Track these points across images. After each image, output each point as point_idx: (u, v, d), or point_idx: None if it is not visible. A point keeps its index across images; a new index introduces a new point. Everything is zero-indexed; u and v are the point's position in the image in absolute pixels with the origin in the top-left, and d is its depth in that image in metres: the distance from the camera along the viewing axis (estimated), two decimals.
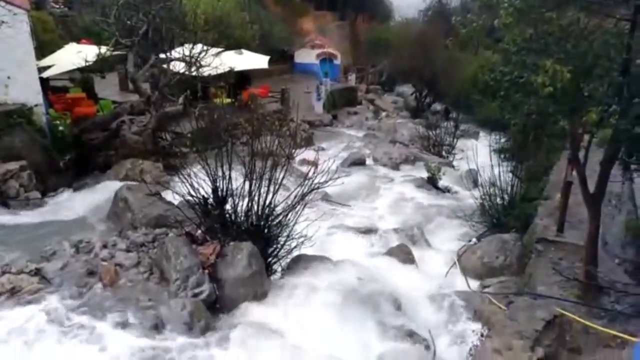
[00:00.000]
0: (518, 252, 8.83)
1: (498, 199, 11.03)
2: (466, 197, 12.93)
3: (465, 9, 31.62)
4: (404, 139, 21.40)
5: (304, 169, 11.96)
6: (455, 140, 20.63)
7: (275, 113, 19.96)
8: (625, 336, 5.05)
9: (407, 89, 39.21)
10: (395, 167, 17.28)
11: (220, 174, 7.99)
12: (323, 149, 17.78)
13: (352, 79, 35.53)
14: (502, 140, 13.53)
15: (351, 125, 26.09)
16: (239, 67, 19.08)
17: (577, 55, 5.55)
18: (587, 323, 5.38)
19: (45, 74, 15.45)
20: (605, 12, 5.93)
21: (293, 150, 9.06)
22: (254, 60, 21.32)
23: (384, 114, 30.26)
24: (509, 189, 11.00)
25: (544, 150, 10.91)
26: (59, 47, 18.27)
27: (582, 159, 6.37)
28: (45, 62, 16.35)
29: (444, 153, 19.85)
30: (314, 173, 8.38)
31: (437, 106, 33.94)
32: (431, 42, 31.97)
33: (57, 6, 24.23)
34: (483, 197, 11.26)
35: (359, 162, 17.22)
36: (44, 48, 17.47)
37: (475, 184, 13.26)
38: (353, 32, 48.21)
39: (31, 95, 12.70)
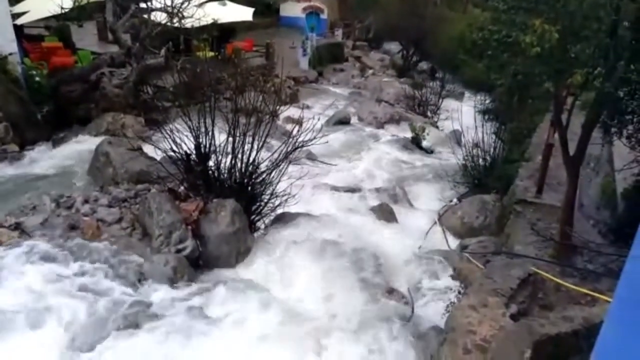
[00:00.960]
0: (498, 212, 9.02)
1: (480, 160, 11.15)
2: (450, 158, 13.04)
3: None
4: (390, 98, 21.25)
5: (289, 127, 11.87)
6: (440, 100, 20.58)
7: (260, 68, 19.50)
8: (595, 294, 5.26)
9: (394, 46, 38.61)
10: (380, 126, 17.25)
11: (203, 129, 7.88)
12: (308, 107, 17.59)
13: (338, 34, 34.83)
14: (487, 101, 13.52)
15: (337, 82, 25.75)
16: (222, 19, 18.49)
17: (567, 14, 5.49)
18: (559, 281, 5.57)
19: (18, 21, 14.81)
20: None
21: (278, 107, 8.91)
22: (238, 13, 20.67)
23: (370, 71, 29.86)
24: (492, 150, 11.11)
25: (528, 113, 10.95)
26: None
27: (564, 122, 6.42)
28: (19, 8, 15.65)
29: (429, 113, 19.83)
30: (298, 131, 8.31)
31: (424, 65, 33.61)
32: None
33: None
34: (466, 158, 11.37)
35: (344, 121, 17.13)
36: None
37: (459, 144, 13.34)
38: None
39: (5, 43, 12.18)
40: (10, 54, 12.26)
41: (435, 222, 9.48)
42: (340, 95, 22.21)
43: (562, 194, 6.92)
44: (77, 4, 14.27)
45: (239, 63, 16.50)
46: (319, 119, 9.26)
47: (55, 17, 15.45)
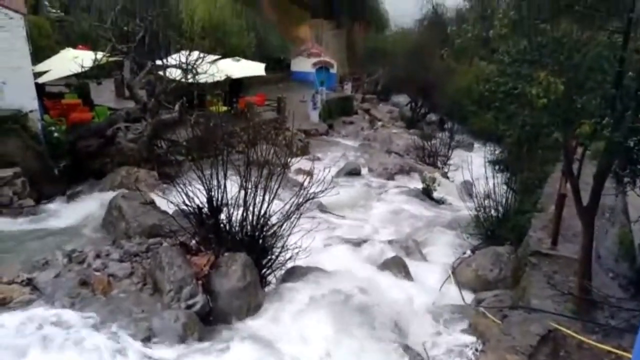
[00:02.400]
0: (513, 265, 8.83)
1: (493, 211, 11.05)
2: (461, 208, 12.95)
3: (461, 20, 31.85)
4: (400, 149, 21.46)
5: (300, 178, 11.97)
6: (450, 151, 20.72)
7: (272, 121, 19.98)
8: (619, 352, 5.05)
9: (402, 99, 39.42)
10: (391, 177, 17.32)
11: (215, 183, 7.97)
12: (319, 159, 17.79)
13: (348, 88, 35.69)
14: (497, 151, 13.57)
15: (347, 134, 26.14)
16: (235, 74, 19.13)
17: (571, 67, 5.59)
18: (582, 338, 5.37)
19: (41, 80, 15.42)
20: (598, 24, 5.99)
21: (289, 160, 9.03)
22: (250, 68, 21.38)
23: (379, 123, 30.35)
24: (504, 201, 11.02)
25: (538, 162, 10.95)
26: (56, 52, 18.24)
27: (575, 172, 6.39)
28: (41, 67, 16.31)
29: (439, 164, 19.91)
30: (309, 183, 8.37)
31: (433, 116, 34.11)
32: (427, 52, 32.20)
33: (54, 11, 24.23)
34: (478, 208, 11.27)
35: (354, 172, 17.24)
36: (40, 53, 17.45)
37: (470, 195, 13.29)
38: (349, 40, 48.48)
39: (26, 100, 12.62)
40: (31, 111, 12.68)
41: (449, 276, 9.29)
42: (350, 147, 22.49)
43: (578, 245, 6.79)
44: (96, 63, 14.88)
45: (251, 117, 16.97)
46: (329, 171, 9.32)
47: (75, 75, 16.12)
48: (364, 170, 17.94)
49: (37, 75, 15.02)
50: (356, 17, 48.95)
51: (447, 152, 20.55)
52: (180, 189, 7.99)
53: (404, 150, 21.47)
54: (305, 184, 8.48)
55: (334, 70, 38.49)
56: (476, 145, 23.79)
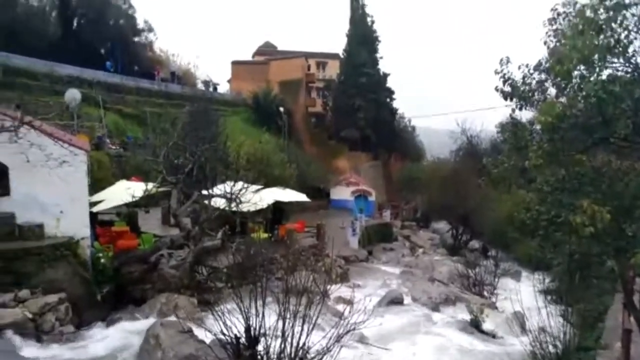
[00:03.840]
0: None
1: (550, 347, 10.17)
2: (514, 343, 12.00)
3: (496, 150, 32.66)
4: (443, 277, 20.78)
5: (340, 307, 11.61)
6: (496, 279, 19.87)
7: (311, 248, 20.06)
8: None
9: (442, 225, 39.18)
10: (435, 307, 16.52)
11: (253, 311, 7.83)
12: (359, 286, 17.36)
13: (386, 215, 36.04)
14: (547, 281, 12.90)
15: (387, 261, 25.75)
16: (278, 198, 19.82)
17: (614, 195, 5.53)
18: None
19: (95, 209, 16.38)
20: (637, 155, 6.03)
21: (328, 287, 8.86)
22: (293, 195, 22.13)
23: (420, 250, 29.91)
24: (562, 335, 10.19)
25: (594, 293, 10.28)
26: (111, 183, 19.61)
27: (638, 304, 5.96)
28: (96, 197, 17.43)
29: (485, 293, 19.00)
30: (349, 312, 8.09)
31: (475, 243, 33.43)
32: (464, 180, 32.68)
33: (114, 147, 26.50)
34: (533, 344, 10.42)
35: (396, 301, 16.59)
36: (97, 184, 18.78)
37: (523, 328, 12.40)
38: (386, 170, 50.16)
39: (79, 228, 13.31)
40: (83, 238, 13.32)
41: None
42: (391, 274, 21.96)
43: None
44: (147, 193, 15.81)
45: (291, 243, 17.15)
46: (370, 299, 9.07)
47: (126, 204, 17.08)
48: (407, 299, 17.25)
49: (92, 204, 15.99)
50: (392, 149, 51.18)
51: (493, 280, 19.70)
52: (218, 317, 7.87)
53: (447, 278, 20.76)
54: (346, 313, 8.20)
55: (372, 198, 39.30)
56: (524, 273, 22.78)
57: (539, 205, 6.77)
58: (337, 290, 11.81)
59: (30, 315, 10.69)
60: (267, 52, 56.60)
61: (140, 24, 42.91)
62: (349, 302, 8.76)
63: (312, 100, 53.32)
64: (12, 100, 16.67)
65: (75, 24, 36.89)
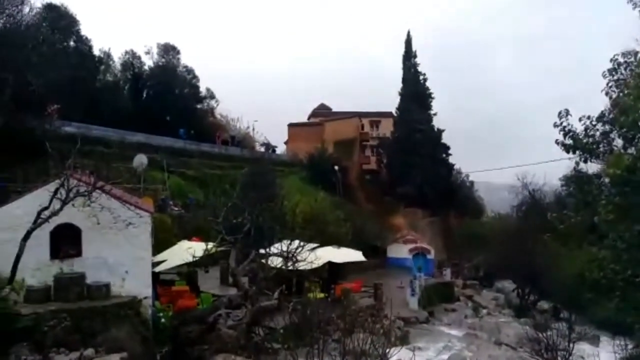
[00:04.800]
0: None
1: None
2: None
3: (561, 204, 31.11)
4: (510, 341, 19.45)
5: None
6: (571, 344, 18.28)
7: (369, 308, 19.50)
8: None
9: (507, 284, 37.11)
10: None
11: None
12: (420, 349, 16.54)
13: (447, 273, 34.72)
14: (630, 346, 11.75)
15: (449, 323, 24.52)
16: (334, 260, 19.66)
17: None
18: None
19: (157, 269, 16.91)
20: None
21: (387, 350, 8.51)
22: (349, 254, 21.89)
23: (484, 311, 28.34)
24: None
25: None
26: (173, 244, 20.25)
27: None
28: (159, 257, 18.04)
29: (559, 359, 17.47)
30: None
31: (544, 304, 31.27)
32: (528, 237, 31.17)
33: (176, 208, 27.62)
34: None
35: None
36: (159, 245, 19.47)
37: None
38: (445, 227, 48.80)
39: (142, 288, 13.72)
40: (145, 297, 13.68)
41: None
42: (453, 337, 20.82)
43: None
44: (206, 252, 16.21)
45: (348, 304, 16.77)
46: None
47: (187, 264, 17.55)
48: None
49: (155, 264, 16.54)
50: (451, 205, 50.02)
51: (567, 345, 18.14)
52: None
53: (515, 341, 19.40)
54: None
55: (431, 256, 38.12)
56: (603, 338, 20.88)
57: (613, 263, 6.31)
58: (397, 353, 11.32)
59: None
60: (322, 113, 58.35)
61: (203, 92, 45.82)
62: None
63: (366, 158, 53.82)
64: (88, 167, 17.96)
65: (144, 95, 39.93)
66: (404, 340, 17.92)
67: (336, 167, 41.48)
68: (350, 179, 47.27)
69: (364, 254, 23.70)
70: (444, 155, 51.65)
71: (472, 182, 59.46)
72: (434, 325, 23.68)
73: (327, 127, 51.36)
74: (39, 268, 12.69)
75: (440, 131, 51.44)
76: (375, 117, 55.93)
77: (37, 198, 12.60)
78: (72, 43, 33.38)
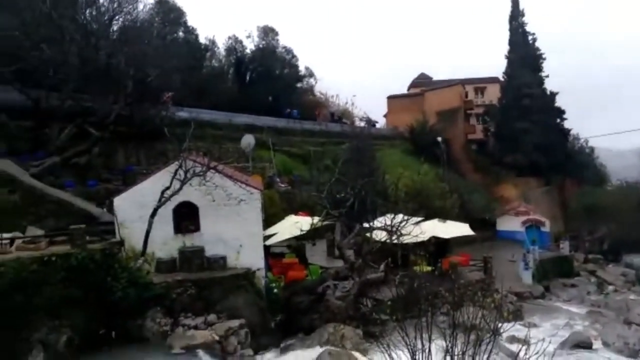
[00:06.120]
0: None
1: None
2: None
3: None
4: None
5: (514, 347, 10.62)
6: None
7: (478, 282, 18.88)
8: None
9: (638, 259, 33.60)
10: (634, 354, 14.09)
11: (419, 346, 7.59)
12: (535, 325, 15.74)
13: (565, 247, 32.27)
14: None
15: (568, 299, 22.93)
16: (441, 234, 19.24)
17: None
18: None
19: (268, 242, 17.82)
20: None
21: (499, 325, 8.19)
22: (456, 228, 21.26)
23: (610, 287, 26.03)
24: None
25: None
26: (281, 218, 21.13)
27: None
28: (269, 231, 18.97)
29: None
30: (525, 353, 7.35)
31: None
32: None
33: (283, 185, 28.72)
34: None
35: (583, 345, 14.57)
36: (269, 220, 20.45)
37: None
38: (561, 197, 45.18)
39: (255, 260, 14.61)
40: (258, 269, 14.56)
41: None
42: (574, 314, 19.45)
43: None
44: (313, 226, 16.73)
45: (456, 277, 16.39)
46: (550, 341, 8.11)
47: (295, 237, 18.28)
48: (597, 344, 15.04)
49: (265, 238, 17.43)
50: (567, 173, 46.11)
51: None
52: (384, 350, 7.81)
53: None
54: (521, 354, 7.47)
55: (545, 229, 35.67)
56: None
57: None
58: (510, 328, 10.87)
59: (217, 338, 11.96)
60: (423, 83, 56.46)
61: (302, 71, 46.64)
62: (525, 342, 7.94)
63: (471, 127, 51.30)
64: (201, 149, 19.32)
65: (247, 78, 41.63)
66: (517, 316, 17.11)
67: (439, 139, 40.14)
68: (455, 149, 45.49)
69: (472, 227, 22.84)
70: (559, 120, 47.49)
71: (592, 148, 54.14)
72: (550, 300, 22.34)
73: (428, 97, 49.70)
74: (165, 242, 14.04)
75: (553, 94, 47.27)
76: (480, 84, 52.88)
77: (160, 179, 13.87)
78: (180, 34, 35.65)
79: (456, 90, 49.47)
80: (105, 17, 21.76)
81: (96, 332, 11.96)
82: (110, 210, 14.70)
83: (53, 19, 18.63)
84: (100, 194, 18.04)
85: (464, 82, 51.11)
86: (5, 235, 12.81)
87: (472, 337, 7.47)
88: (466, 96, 51.57)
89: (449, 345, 7.42)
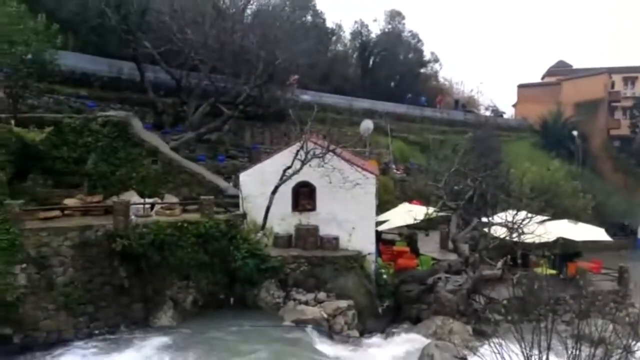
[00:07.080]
0: None
1: None
2: None
3: None
4: None
5: None
6: None
7: (610, 293, 17.05)
8: None
9: None
10: None
11: (535, 352, 7.11)
12: None
13: None
14: None
15: None
16: (571, 237, 17.70)
17: None
18: None
19: (379, 228, 17.84)
20: None
21: (633, 342, 7.35)
22: (589, 232, 19.32)
23: None
24: None
25: None
26: (394, 205, 20.99)
27: None
28: (381, 217, 18.97)
29: None
30: None
31: None
32: None
33: (398, 172, 28.46)
34: None
35: None
36: (382, 206, 20.42)
37: None
38: None
39: (366, 244, 14.74)
40: (369, 253, 14.68)
41: None
42: None
43: None
44: (427, 216, 16.39)
45: (584, 285, 14.97)
46: None
47: (407, 226, 18.06)
48: None
49: (378, 223, 17.46)
50: None
51: None
52: (495, 351, 7.44)
53: None
54: None
55: None
56: None
57: None
58: None
59: (325, 316, 12.38)
60: (560, 72, 51.63)
61: (427, 56, 45.33)
62: None
63: (615, 122, 45.87)
64: (321, 132, 19.85)
65: (371, 62, 41.58)
66: None
67: (575, 132, 36.62)
68: (594, 145, 41.23)
69: (608, 233, 20.58)
70: None
71: None
72: None
73: (565, 87, 45.40)
74: (283, 218, 14.76)
75: None
76: (631, 73, 46.95)
77: (282, 158, 14.56)
78: (309, 17, 36.62)
79: (600, 79, 44.42)
80: (242, 2, 23.17)
81: (217, 296, 13.10)
82: (236, 184, 15.83)
83: (198, 4, 20.33)
84: (227, 169, 19.51)
85: (610, 71, 45.68)
86: (147, 200, 14.47)
87: (599, 352, 6.81)
88: (612, 86, 46.16)
89: (571, 356, 6.85)
